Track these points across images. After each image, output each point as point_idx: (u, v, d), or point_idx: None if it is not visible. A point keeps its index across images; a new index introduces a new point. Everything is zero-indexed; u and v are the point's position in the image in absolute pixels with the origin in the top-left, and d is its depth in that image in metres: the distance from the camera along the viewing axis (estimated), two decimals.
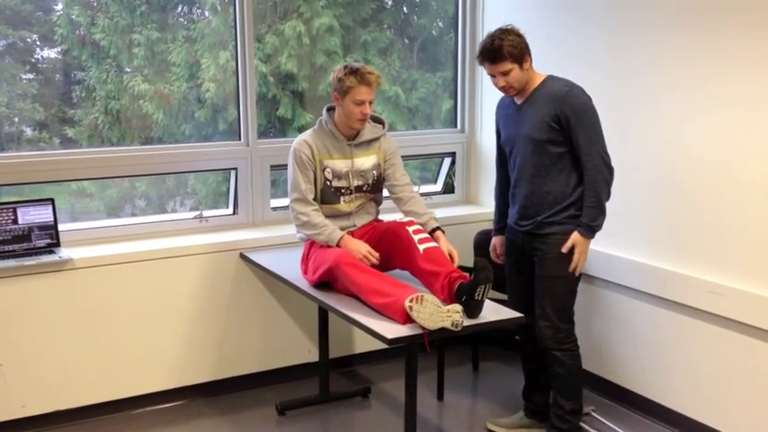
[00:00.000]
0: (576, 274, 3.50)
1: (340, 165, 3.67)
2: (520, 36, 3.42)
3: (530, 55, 3.44)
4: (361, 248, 3.53)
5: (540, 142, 3.44)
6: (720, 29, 3.49)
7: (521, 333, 3.86)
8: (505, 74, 3.41)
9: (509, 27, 3.44)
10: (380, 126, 3.80)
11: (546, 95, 3.43)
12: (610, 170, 3.45)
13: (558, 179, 3.47)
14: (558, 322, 3.54)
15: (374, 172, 3.75)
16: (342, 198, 3.70)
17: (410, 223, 3.55)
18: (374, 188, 3.78)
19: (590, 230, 3.47)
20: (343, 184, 3.68)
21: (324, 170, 3.65)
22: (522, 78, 3.44)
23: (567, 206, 3.48)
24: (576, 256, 3.46)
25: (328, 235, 3.58)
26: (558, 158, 3.45)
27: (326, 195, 3.68)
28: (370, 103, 3.58)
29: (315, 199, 3.67)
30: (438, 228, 3.68)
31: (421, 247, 3.42)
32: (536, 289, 3.57)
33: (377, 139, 3.76)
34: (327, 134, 3.68)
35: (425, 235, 3.50)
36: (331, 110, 3.72)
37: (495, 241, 3.91)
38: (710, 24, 3.53)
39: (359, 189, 3.73)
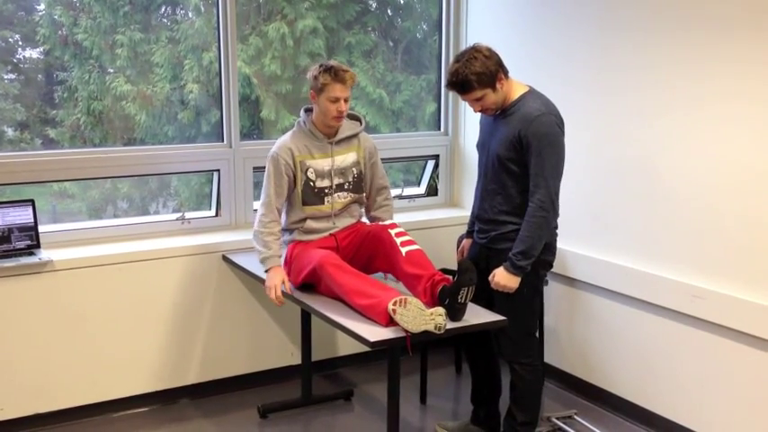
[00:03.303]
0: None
1: (322, 164, 3.67)
2: (488, 56, 3.25)
3: (504, 72, 3.29)
4: (275, 281, 3.55)
5: (504, 160, 3.34)
6: (703, 34, 3.52)
7: (470, 341, 3.81)
8: (479, 99, 3.31)
9: (476, 48, 3.28)
10: (358, 123, 3.81)
11: (519, 114, 3.29)
12: (554, 210, 3.30)
13: (517, 199, 3.35)
14: (515, 336, 3.49)
15: (354, 170, 3.75)
16: (325, 199, 3.69)
17: (392, 226, 3.55)
18: (356, 187, 3.77)
19: (515, 268, 3.30)
20: (325, 183, 3.68)
21: (306, 171, 3.65)
22: (499, 99, 3.32)
23: (522, 225, 3.34)
24: (492, 285, 3.34)
25: (265, 258, 3.61)
26: (519, 178, 3.32)
27: (308, 197, 3.67)
28: (346, 100, 3.57)
29: (295, 202, 3.68)
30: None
31: (403, 250, 3.41)
32: (495, 302, 3.45)
33: (355, 135, 3.77)
34: (307, 134, 3.68)
35: (408, 238, 3.49)
36: (309, 111, 3.73)
37: (465, 244, 3.83)
38: (693, 28, 3.56)
39: (340, 187, 3.72)
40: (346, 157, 3.73)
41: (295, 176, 3.65)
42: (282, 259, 3.72)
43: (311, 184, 3.66)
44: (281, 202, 3.66)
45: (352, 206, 3.81)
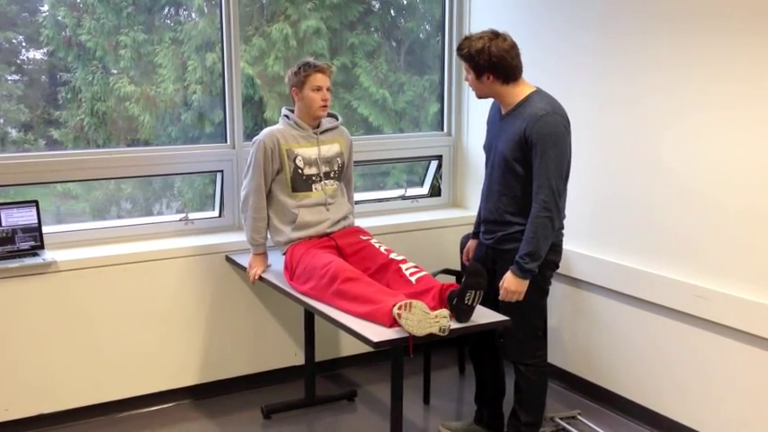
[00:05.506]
0: (503, 298, 3.33)
1: (309, 152, 3.80)
2: (492, 51, 3.22)
3: (496, 76, 3.27)
4: (260, 267, 3.88)
5: (509, 161, 3.31)
6: (706, 37, 3.52)
7: (475, 341, 3.81)
8: (467, 71, 3.36)
9: (497, 34, 3.27)
10: (335, 119, 3.96)
11: (524, 113, 3.26)
12: (558, 210, 3.26)
13: (522, 200, 3.32)
14: (521, 337, 3.48)
15: (338, 159, 3.90)
16: (314, 186, 3.80)
17: (404, 261, 3.51)
18: (340, 176, 3.92)
19: (523, 272, 3.26)
20: (313, 171, 3.80)
21: (294, 159, 3.76)
22: (480, 88, 3.34)
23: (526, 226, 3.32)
24: (502, 293, 3.33)
25: (256, 245, 3.87)
26: (525, 179, 3.29)
27: (298, 183, 3.77)
28: (328, 89, 3.77)
29: (284, 189, 3.78)
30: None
31: (413, 278, 3.37)
32: (501, 303, 3.41)
33: (337, 127, 3.93)
34: (293, 126, 3.82)
35: (416, 269, 3.45)
36: (290, 111, 3.88)
37: (471, 245, 3.81)
38: (693, 30, 3.55)
39: (327, 175, 3.84)
40: (331, 147, 3.87)
41: (281, 163, 3.75)
42: (282, 265, 3.77)
43: (299, 171, 3.76)
44: (267, 187, 3.79)
45: (341, 198, 3.91)
